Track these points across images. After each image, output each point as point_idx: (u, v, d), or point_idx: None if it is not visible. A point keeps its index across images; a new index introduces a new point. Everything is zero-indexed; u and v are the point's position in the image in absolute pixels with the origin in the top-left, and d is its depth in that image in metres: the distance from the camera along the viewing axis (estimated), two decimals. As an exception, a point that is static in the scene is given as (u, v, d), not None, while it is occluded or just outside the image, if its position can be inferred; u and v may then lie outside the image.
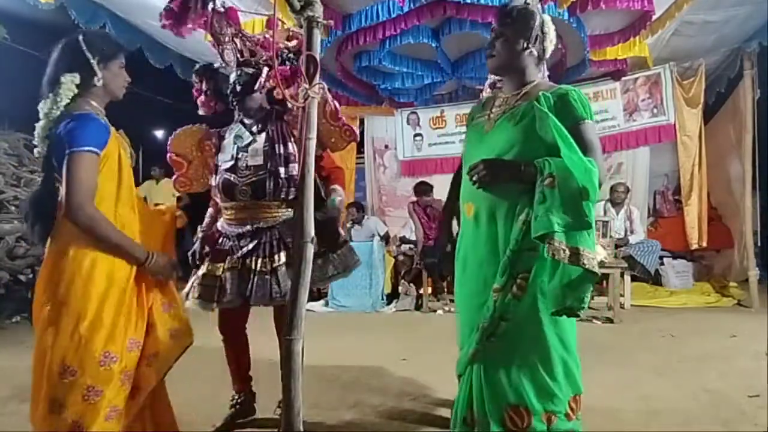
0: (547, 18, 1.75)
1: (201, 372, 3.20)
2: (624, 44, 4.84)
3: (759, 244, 5.21)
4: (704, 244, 5.70)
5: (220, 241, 2.20)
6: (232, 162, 2.17)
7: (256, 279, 2.06)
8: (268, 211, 2.16)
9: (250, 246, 2.10)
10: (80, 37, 1.64)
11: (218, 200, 2.26)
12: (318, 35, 1.64)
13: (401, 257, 5.75)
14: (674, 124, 5.72)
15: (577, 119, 1.60)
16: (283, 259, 2.09)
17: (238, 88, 2.18)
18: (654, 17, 4.31)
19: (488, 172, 1.58)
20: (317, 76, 1.64)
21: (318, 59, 1.64)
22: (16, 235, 4.87)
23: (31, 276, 4.83)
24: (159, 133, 16.08)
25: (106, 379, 1.56)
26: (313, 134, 1.62)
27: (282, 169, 2.13)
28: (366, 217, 6.38)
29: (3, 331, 4.50)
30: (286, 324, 1.54)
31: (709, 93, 5.87)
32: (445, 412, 2.41)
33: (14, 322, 4.70)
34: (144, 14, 4.37)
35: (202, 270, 2.15)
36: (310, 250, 1.58)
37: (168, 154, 2.26)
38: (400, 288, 5.58)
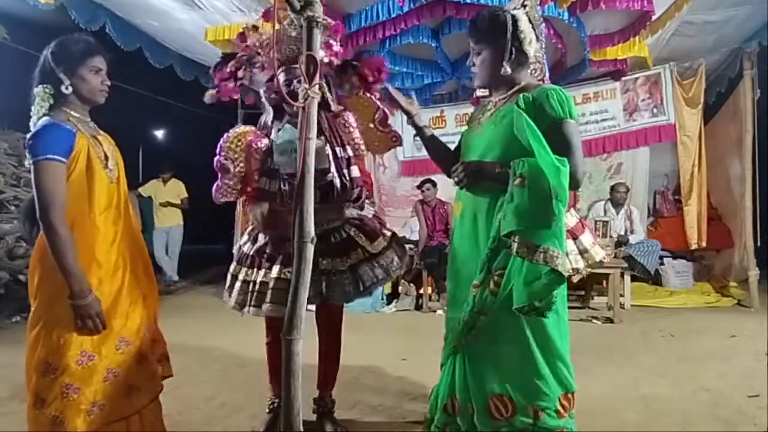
0: (521, 17, 1.69)
1: (201, 373, 3.20)
2: (624, 44, 4.84)
3: (759, 244, 5.20)
4: (704, 244, 5.69)
5: (288, 244, 2.09)
6: (293, 168, 2.06)
7: (334, 278, 2.08)
8: (333, 212, 2.17)
9: (323, 247, 2.04)
10: (48, 50, 1.68)
11: (275, 205, 2.16)
12: (318, 35, 1.64)
13: (401, 257, 5.75)
14: (674, 124, 5.72)
15: (554, 119, 1.61)
16: (361, 255, 2.14)
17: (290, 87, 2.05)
18: (654, 17, 4.31)
19: (466, 174, 1.66)
20: (317, 76, 1.64)
21: (318, 59, 1.64)
22: (16, 235, 4.86)
23: (31, 276, 4.81)
24: (159, 133, 16.10)
25: (83, 377, 1.60)
26: (313, 134, 1.62)
27: (345, 171, 2.14)
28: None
29: (3, 331, 4.50)
30: (285, 324, 1.53)
31: (709, 93, 5.87)
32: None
33: (14, 322, 4.70)
34: (144, 14, 4.38)
35: (272, 274, 2.07)
36: (310, 250, 1.58)
37: (217, 158, 2.09)
38: (400, 288, 5.58)
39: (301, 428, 1.51)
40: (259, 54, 2.17)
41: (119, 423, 1.69)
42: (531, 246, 1.47)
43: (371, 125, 2.25)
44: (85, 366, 1.61)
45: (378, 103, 2.25)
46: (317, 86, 1.63)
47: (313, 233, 1.59)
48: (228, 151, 2.10)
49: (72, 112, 1.69)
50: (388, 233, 2.27)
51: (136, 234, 1.87)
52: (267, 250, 2.15)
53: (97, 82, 1.71)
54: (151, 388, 1.81)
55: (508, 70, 1.70)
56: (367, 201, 2.32)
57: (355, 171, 2.16)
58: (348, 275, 2.11)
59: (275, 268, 2.08)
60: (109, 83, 1.75)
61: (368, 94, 2.24)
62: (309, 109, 1.61)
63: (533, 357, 1.61)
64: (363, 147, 2.25)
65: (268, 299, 2.04)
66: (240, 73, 2.16)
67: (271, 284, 2.05)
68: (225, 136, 2.12)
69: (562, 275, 1.47)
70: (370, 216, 2.28)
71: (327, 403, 2.35)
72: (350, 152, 2.18)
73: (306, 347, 1.56)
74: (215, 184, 2.11)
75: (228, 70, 2.14)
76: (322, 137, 2.12)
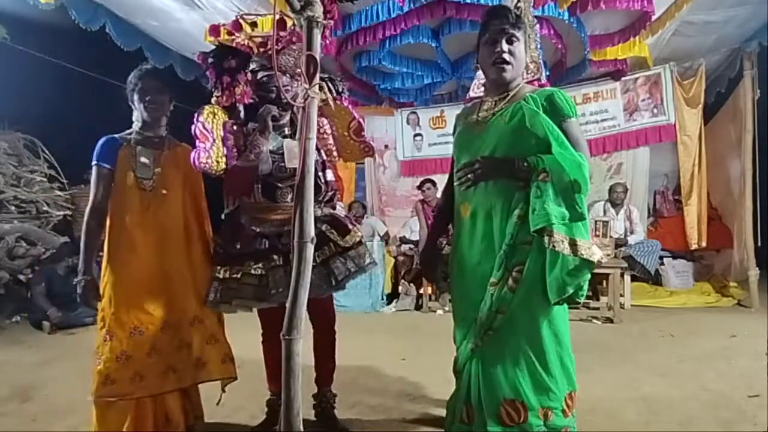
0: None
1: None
2: (624, 44, 4.85)
3: (759, 244, 5.20)
4: (704, 244, 5.69)
5: (258, 240, 2.14)
6: (269, 165, 2.11)
7: None
8: None
9: None
10: None
11: (249, 201, 2.17)
12: (318, 35, 1.64)
13: (401, 257, 5.76)
14: (674, 124, 5.72)
15: (563, 117, 1.66)
16: (332, 249, 2.14)
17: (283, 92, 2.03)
18: (654, 17, 4.32)
19: (484, 170, 1.65)
20: (317, 76, 1.64)
21: (318, 59, 1.64)
22: (16, 235, 4.87)
23: (31, 276, 4.82)
24: (159, 133, 16.07)
25: (104, 349, 2.00)
26: (313, 134, 1.62)
27: (321, 174, 2.16)
28: (366, 216, 6.39)
29: (3, 331, 4.50)
30: (285, 324, 1.53)
31: (709, 93, 5.87)
32: (444, 413, 2.41)
33: (14, 322, 4.71)
34: (144, 14, 4.38)
35: (242, 270, 2.09)
36: (310, 250, 1.58)
37: (195, 125, 2.09)
38: (400, 288, 5.58)
39: (301, 428, 1.51)
40: (251, 51, 2.16)
41: (127, 402, 1.98)
42: (567, 240, 1.52)
43: (345, 133, 2.26)
44: (106, 343, 2.01)
45: (354, 112, 2.26)
46: (317, 86, 1.63)
47: (313, 233, 1.59)
48: (205, 118, 2.09)
49: (136, 128, 2.13)
50: (359, 234, 2.27)
51: (167, 237, 2.13)
52: (238, 247, 2.15)
53: (144, 103, 2.09)
54: (163, 381, 2.06)
55: (530, 65, 1.77)
56: (339, 204, 2.35)
57: (330, 174, 2.24)
58: (320, 269, 2.08)
59: (241, 267, 2.10)
60: (153, 101, 2.10)
61: (344, 103, 2.25)
62: (309, 109, 1.62)
63: (545, 354, 1.63)
64: (335, 153, 2.28)
65: (236, 294, 2.07)
66: (246, 76, 2.15)
67: (239, 279, 2.08)
68: (201, 107, 2.12)
69: (593, 263, 1.54)
70: (342, 215, 2.30)
71: (328, 399, 2.35)
72: (324, 156, 2.22)
73: (306, 347, 1.56)
74: (195, 151, 2.07)
75: (230, 75, 2.14)
76: (298, 138, 2.10)
